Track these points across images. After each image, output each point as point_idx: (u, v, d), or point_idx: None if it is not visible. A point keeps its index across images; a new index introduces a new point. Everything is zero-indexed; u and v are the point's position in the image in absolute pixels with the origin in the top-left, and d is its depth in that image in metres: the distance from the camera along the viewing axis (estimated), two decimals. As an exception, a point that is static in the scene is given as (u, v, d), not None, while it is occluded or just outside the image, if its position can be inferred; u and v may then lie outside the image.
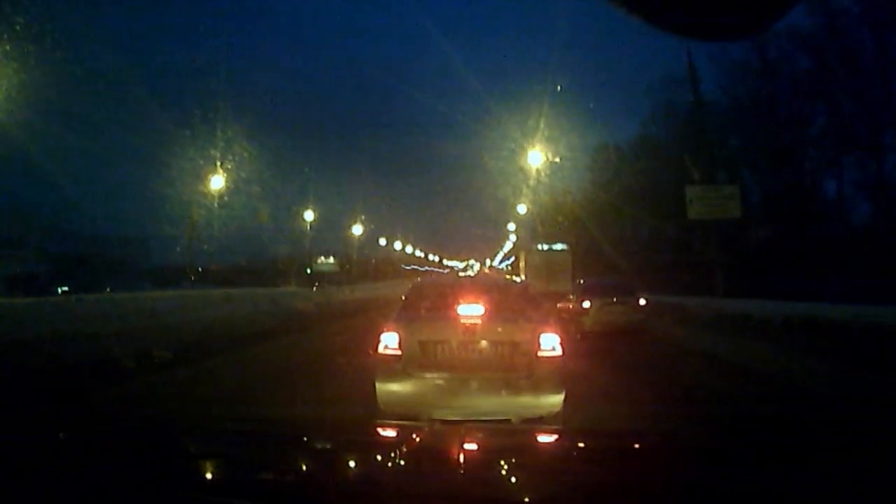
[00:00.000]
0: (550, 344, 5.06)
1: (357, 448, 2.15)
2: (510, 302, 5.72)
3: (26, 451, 1.76)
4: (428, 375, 4.95)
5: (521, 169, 31.69)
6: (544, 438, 2.57)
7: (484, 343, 5.05)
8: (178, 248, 34.31)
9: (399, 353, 5.03)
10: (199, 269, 56.29)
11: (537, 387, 4.91)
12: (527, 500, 1.57)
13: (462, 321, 5.08)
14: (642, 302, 14.74)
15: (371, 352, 5.26)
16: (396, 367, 4.99)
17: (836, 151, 30.26)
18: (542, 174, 31.82)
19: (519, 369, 4.96)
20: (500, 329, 5.14)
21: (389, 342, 5.09)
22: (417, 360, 4.99)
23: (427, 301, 5.77)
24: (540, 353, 5.00)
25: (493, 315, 5.21)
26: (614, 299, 14.26)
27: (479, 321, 5.08)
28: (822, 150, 31.16)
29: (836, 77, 28.25)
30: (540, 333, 5.09)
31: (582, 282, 16.68)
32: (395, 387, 4.97)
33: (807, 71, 29.35)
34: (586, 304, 14.27)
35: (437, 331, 5.14)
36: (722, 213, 19.07)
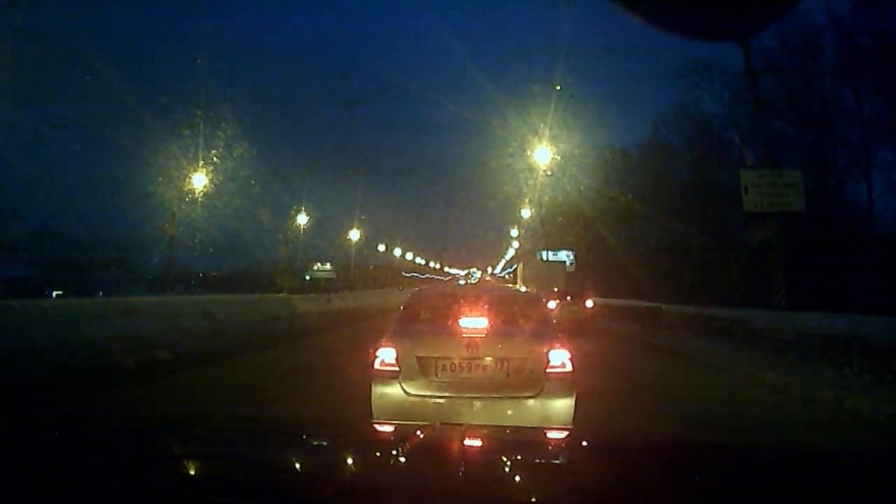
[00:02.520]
0: (560, 360, 4.78)
1: (357, 447, 2.13)
2: (516, 314, 5.46)
3: (21, 451, 1.72)
4: (427, 394, 4.71)
5: (526, 169, 30.40)
6: (546, 438, 2.56)
7: (488, 360, 4.76)
8: (156, 258, 32.99)
9: (396, 369, 4.78)
10: (201, 275, 54.85)
11: (545, 407, 4.67)
12: (533, 500, 1.56)
13: (464, 336, 4.85)
14: (589, 304, 19.81)
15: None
16: (393, 385, 4.76)
17: (865, 149, 27.86)
18: (548, 173, 30.45)
19: (526, 388, 4.70)
20: (505, 344, 4.86)
21: (386, 357, 4.84)
22: (416, 377, 4.74)
23: (427, 313, 5.59)
24: (549, 371, 4.74)
25: (499, 329, 5.02)
26: (570, 301, 19.25)
27: (482, 335, 4.85)
28: (849, 148, 28.77)
29: (869, 66, 25.81)
30: (549, 349, 4.80)
31: (557, 289, 21.42)
32: (392, 406, 4.72)
33: (836, 59, 26.98)
34: (551, 305, 17.41)
35: (437, 346, 4.88)
36: (783, 205, 15.32)
